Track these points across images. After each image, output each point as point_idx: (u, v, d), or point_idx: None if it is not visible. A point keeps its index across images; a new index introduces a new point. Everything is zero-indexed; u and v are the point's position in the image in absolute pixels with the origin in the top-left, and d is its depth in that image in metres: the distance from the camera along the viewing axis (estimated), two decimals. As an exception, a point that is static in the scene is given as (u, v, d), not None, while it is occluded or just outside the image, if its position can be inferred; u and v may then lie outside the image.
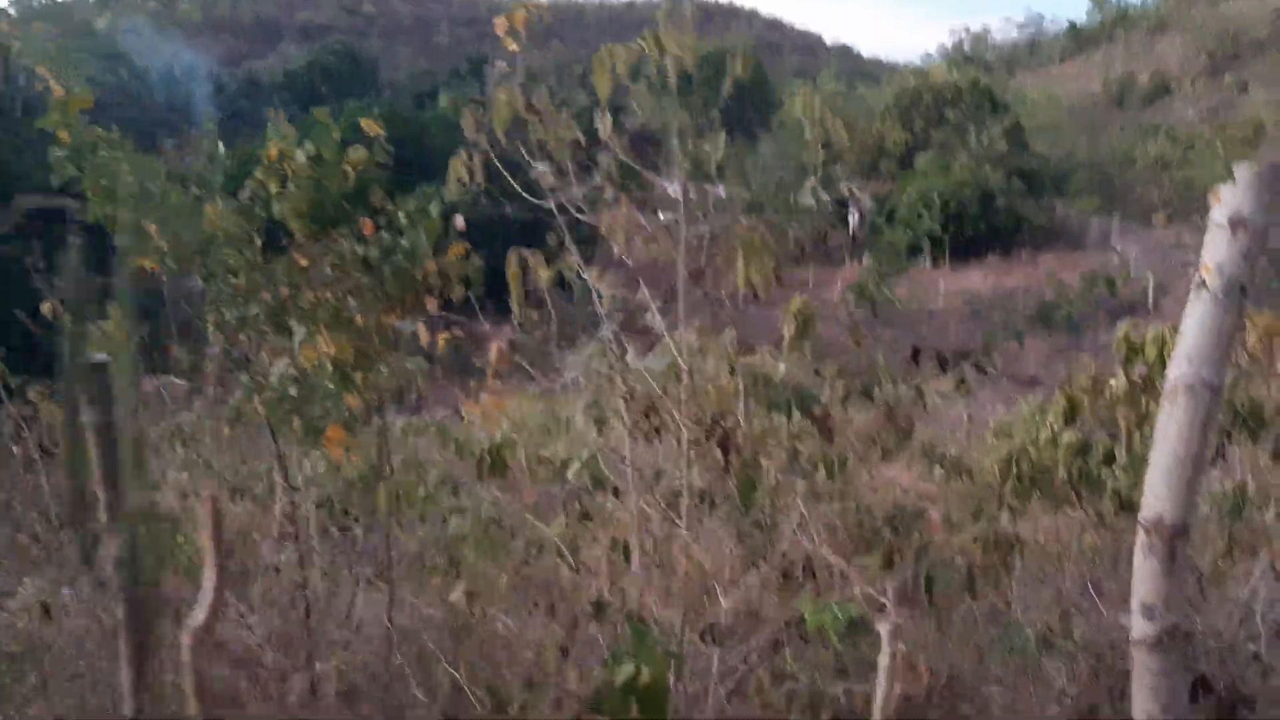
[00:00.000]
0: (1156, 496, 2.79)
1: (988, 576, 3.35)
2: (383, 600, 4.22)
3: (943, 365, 3.07)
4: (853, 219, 52.86)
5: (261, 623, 4.04)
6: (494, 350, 4.18)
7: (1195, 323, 2.73)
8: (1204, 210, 2.85)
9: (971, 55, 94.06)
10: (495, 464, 5.09)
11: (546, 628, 3.42)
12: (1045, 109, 62.19)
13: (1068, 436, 5.44)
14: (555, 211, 3.35)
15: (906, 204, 47.98)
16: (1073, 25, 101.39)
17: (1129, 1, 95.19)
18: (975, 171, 49.27)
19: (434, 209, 3.94)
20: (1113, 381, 5.43)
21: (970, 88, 55.21)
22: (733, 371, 3.02)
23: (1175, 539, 2.77)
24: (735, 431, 2.95)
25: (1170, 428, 2.75)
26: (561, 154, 3.30)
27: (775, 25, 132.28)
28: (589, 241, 3.82)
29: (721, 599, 3.45)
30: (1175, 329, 5.41)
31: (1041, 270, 45.44)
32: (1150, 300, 41.67)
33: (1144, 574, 2.83)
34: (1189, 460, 2.73)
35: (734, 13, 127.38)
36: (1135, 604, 2.86)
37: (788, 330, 3.01)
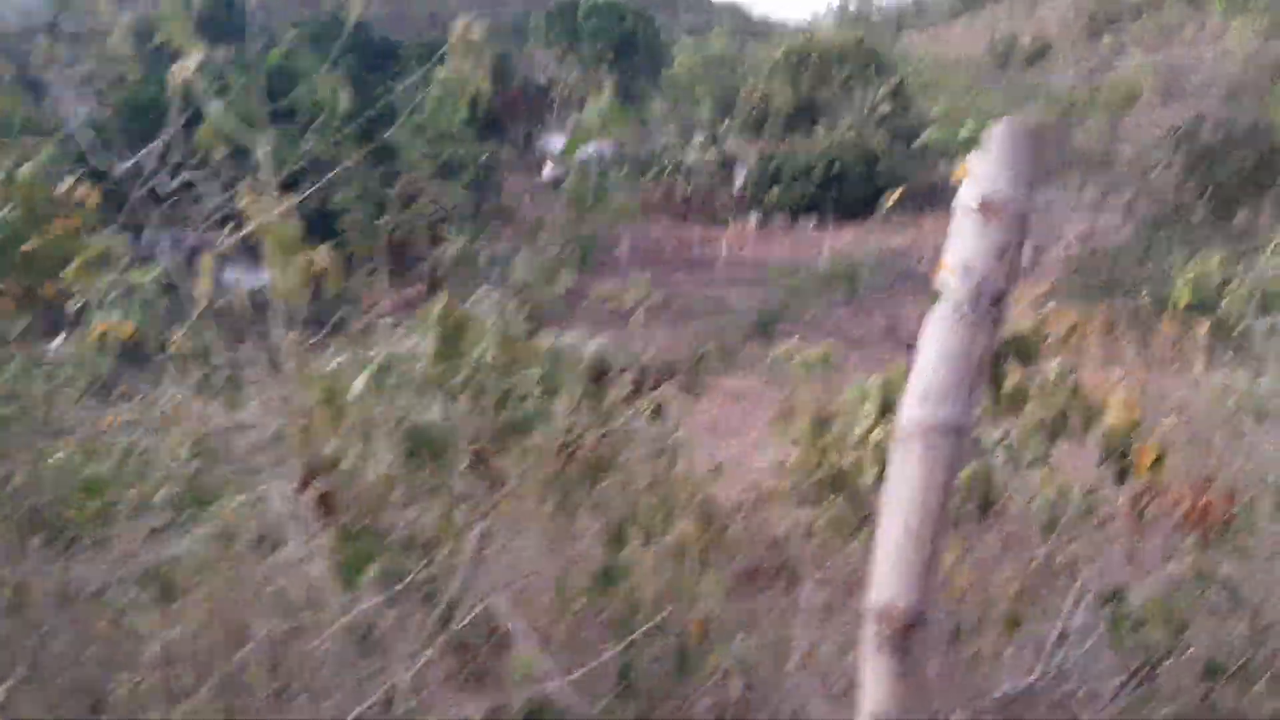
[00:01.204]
0: (886, 576, 2.07)
1: (710, 652, 2.63)
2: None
3: (637, 386, 2.32)
4: (738, 178, 52.46)
5: None
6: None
7: (935, 345, 2.00)
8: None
9: (859, 15, 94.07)
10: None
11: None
12: (931, 70, 62.45)
13: (878, 434, 4.78)
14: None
15: (791, 165, 47.73)
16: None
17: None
18: (860, 132, 49.21)
19: (26, 170, 3.01)
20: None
21: (856, 48, 55.06)
22: (329, 400, 2.21)
23: (911, 631, 2.06)
24: (341, 482, 2.15)
25: (902, 487, 2.03)
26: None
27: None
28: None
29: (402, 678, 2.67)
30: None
31: (924, 231, 45.73)
32: (1030, 260, 42.27)
33: (874, 675, 2.12)
34: (927, 530, 2.01)
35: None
36: (863, 716, 2.15)
37: (428, 344, 2.20)
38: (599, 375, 2.37)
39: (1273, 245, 9.54)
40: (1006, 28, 79.11)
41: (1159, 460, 3.23)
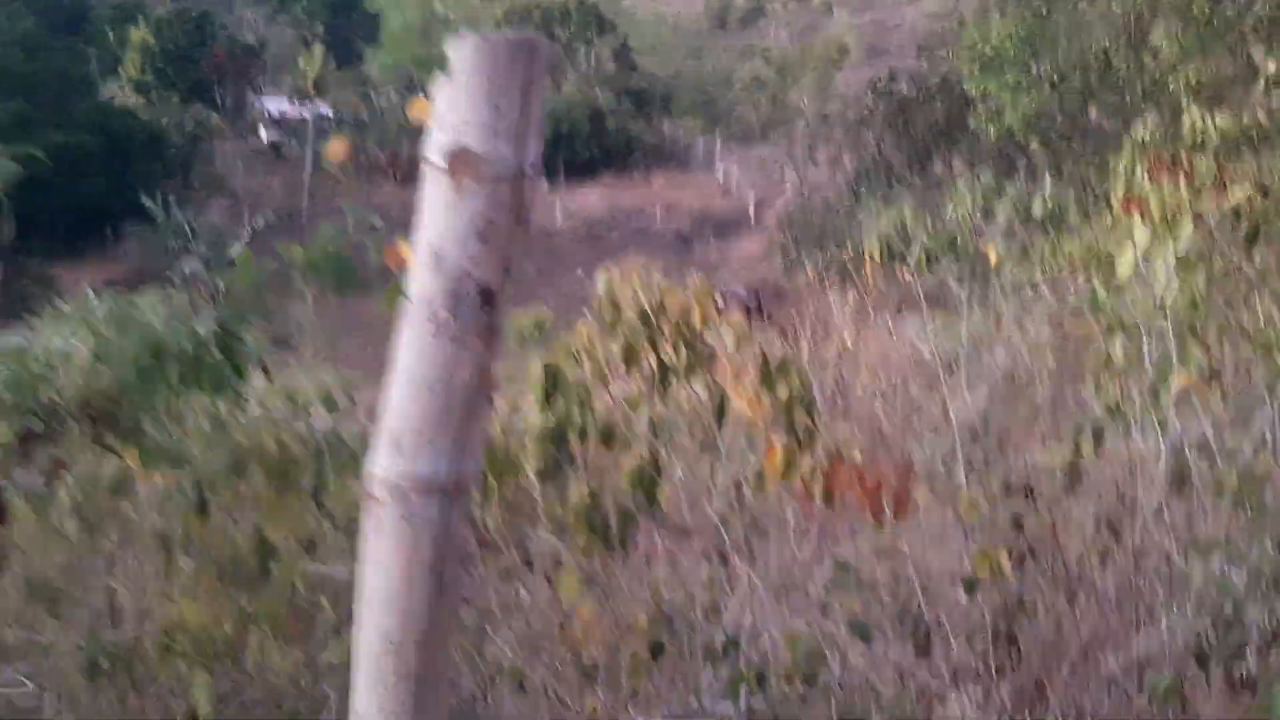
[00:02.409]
0: (365, 707, 1.43)
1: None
2: None
3: (28, 436, 1.59)
4: (466, 141, 50.89)
5: None
6: None
7: (405, 369, 1.36)
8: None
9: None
10: None
11: None
12: (653, 29, 62.89)
13: (541, 420, 4.21)
14: None
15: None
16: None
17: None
18: (585, 91, 48.98)
19: None
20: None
21: (578, 6, 54.67)
22: None
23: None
24: None
25: (375, 575, 1.39)
26: None
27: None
28: None
29: None
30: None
31: (654, 189, 46.13)
32: (752, 215, 43.27)
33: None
34: (411, 639, 1.39)
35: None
36: None
37: None
38: (94, 419, 1.61)
39: (956, 197, 9.73)
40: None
41: (790, 460, 2.76)
